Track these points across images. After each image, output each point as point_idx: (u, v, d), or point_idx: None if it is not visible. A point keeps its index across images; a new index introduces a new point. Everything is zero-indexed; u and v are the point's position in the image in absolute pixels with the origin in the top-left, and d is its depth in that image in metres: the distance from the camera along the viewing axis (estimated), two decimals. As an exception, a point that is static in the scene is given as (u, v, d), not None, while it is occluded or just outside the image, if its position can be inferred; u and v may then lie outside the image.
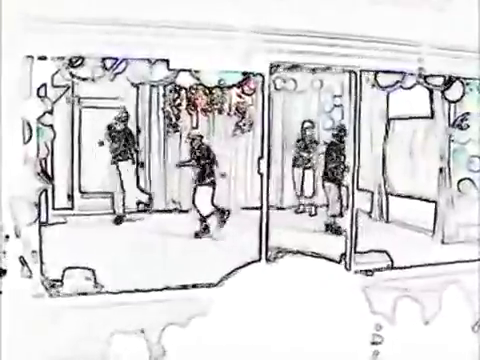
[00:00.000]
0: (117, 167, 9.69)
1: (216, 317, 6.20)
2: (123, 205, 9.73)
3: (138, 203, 9.98)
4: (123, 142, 9.66)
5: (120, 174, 9.69)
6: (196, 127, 10.68)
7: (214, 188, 8.94)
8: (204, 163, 8.91)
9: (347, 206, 7.16)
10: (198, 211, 8.94)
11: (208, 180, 8.91)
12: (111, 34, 5.83)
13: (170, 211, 10.48)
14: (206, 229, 8.88)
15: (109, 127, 9.62)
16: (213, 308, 6.20)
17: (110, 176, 9.67)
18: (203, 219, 8.89)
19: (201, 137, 9.16)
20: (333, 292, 6.63)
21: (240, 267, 6.49)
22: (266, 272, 6.54)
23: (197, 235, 8.81)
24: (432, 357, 6.78)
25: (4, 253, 5.65)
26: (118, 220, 9.69)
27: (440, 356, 6.78)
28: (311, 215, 10.54)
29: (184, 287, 6.24)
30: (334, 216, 9.21)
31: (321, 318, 6.53)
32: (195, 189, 9.00)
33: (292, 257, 6.74)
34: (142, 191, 10.09)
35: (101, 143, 9.64)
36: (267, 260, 6.61)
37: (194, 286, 6.28)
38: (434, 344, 6.88)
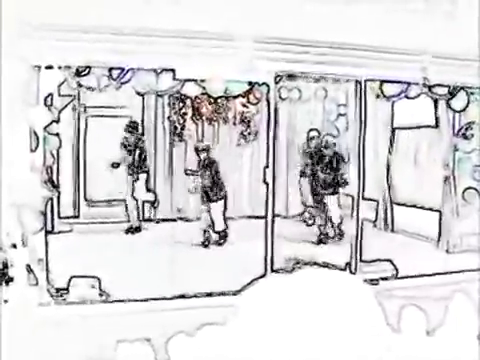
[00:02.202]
0: (137, 179, 9.60)
1: (225, 326, 6.20)
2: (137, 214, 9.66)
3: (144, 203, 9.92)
4: (139, 153, 9.56)
5: (138, 185, 9.59)
6: (202, 137, 10.71)
7: (226, 202, 8.98)
8: (211, 175, 8.87)
9: (352, 215, 7.16)
10: (213, 226, 8.97)
11: (221, 194, 8.95)
12: (117, 44, 5.88)
13: (175, 220, 10.47)
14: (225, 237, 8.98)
15: (123, 144, 9.56)
16: (223, 317, 6.20)
17: (128, 187, 9.59)
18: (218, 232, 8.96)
19: (208, 149, 9.09)
20: (343, 301, 6.64)
21: (253, 280, 6.54)
22: (274, 282, 6.54)
23: (204, 244, 8.87)
24: (438, 366, 6.79)
25: (11, 261, 5.68)
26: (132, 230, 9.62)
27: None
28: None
29: (192, 296, 6.26)
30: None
31: (329, 327, 6.52)
32: (210, 205, 8.97)
33: (302, 268, 6.76)
34: (149, 191, 9.88)
35: (115, 165, 9.60)
36: (272, 270, 6.62)
37: (201, 295, 6.29)
38: (439, 353, 6.87)
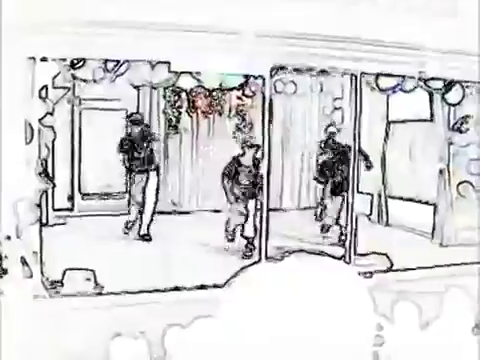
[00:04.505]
0: (131, 178, 9.02)
1: (219, 318, 6.21)
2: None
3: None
4: (138, 150, 8.92)
5: (132, 185, 9.00)
6: (197, 130, 10.73)
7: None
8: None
9: (347, 209, 7.18)
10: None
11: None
12: (112, 36, 5.85)
13: (169, 213, 10.47)
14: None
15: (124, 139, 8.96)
16: (216, 309, 6.20)
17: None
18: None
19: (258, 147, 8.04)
20: (337, 291, 6.65)
21: (243, 267, 6.54)
22: (268, 272, 6.55)
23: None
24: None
25: (5, 253, 5.67)
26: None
27: (440, 358, 6.79)
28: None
29: (186, 288, 6.26)
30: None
31: (323, 317, 6.53)
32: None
33: (295, 256, 6.76)
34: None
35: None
36: (267, 257, 6.63)
37: (196, 287, 6.30)
38: (433, 347, 6.89)
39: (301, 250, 6.89)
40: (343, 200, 8.58)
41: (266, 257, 6.63)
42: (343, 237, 8.54)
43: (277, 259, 6.69)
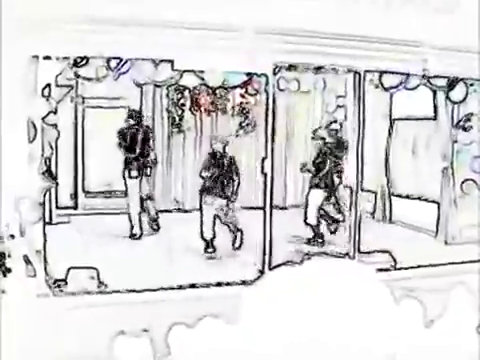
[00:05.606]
0: (124, 182, 8.72)
1: (223, 318, 6.21)
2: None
3: None
4: (134, 150, 8.70)
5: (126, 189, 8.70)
6: (201, 128, 10.71)
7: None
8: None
9: (351, 207, 7.17)
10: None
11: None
12: (115, 34, 5.85)
13: (172, 211, 10.47)
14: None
15: (120, 132, 8.71)
16: (222, 308, 6.21)
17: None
18: None
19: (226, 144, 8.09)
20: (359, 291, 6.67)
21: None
22: (275, 273, 6.56)
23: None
24: (437, 358, 6.79)
25: (9, 252, 5.68)
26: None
27: (445, 357, 6.78)
28: None
29: (191, 287, 6.26)
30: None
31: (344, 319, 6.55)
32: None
33: (306, 259, 6.78)
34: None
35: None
36: (270, 267, 6.63)
37: (201, 286, 6.30)
38: (438, 345, 6.88)
39: (310, 253, 6.92)
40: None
41: (270, 267, 6.63)
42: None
43: (293, 262, 6.71)
